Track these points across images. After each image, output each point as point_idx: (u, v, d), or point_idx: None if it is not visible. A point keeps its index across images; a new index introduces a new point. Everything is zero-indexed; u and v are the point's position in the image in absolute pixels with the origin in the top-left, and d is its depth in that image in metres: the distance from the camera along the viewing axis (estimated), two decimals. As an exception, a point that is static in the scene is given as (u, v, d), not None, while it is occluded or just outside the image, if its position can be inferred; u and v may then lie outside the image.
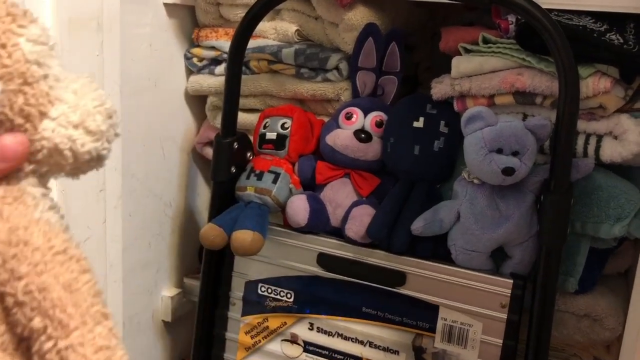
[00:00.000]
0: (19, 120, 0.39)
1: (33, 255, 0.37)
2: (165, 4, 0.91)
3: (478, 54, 0.77)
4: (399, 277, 0.77)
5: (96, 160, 0.42)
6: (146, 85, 0.89)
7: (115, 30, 0.73)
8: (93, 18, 0.68)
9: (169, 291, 1.02)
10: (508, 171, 0.70)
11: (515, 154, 0.70)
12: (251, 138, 0.90)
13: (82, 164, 0.42)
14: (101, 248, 0.75)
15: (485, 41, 0.77)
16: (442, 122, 0.78)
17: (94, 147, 0.41)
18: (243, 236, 0.79)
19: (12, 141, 0.38)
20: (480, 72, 0.76)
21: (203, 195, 1.07)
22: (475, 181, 0.73)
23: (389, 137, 0.80)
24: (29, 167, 0.40)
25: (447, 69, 0.82)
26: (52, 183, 0.61)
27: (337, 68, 0.87)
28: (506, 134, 0.70)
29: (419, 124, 0.78)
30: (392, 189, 0.79)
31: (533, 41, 0.71)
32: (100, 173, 0.71)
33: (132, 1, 0.81)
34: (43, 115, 0.39)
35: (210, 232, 0.81)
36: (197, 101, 1.01)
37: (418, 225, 0.74)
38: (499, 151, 0.70)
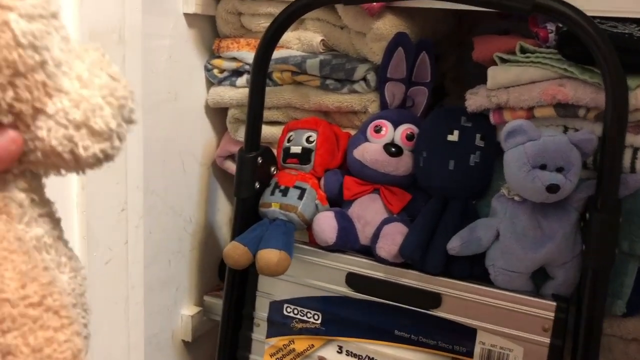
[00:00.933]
0: (7, 119, 0.31)
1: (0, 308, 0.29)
2: (186, 14, 0.88)
3: (515, 64, 0.73)
4: (434, 299, 0.74)
5: (103, 161, 0.35)
6: (166, 99, 0.86)
7: (137, 42, 0.70)
8: (114, 30, 0.65)
9: (188, 310, 0.99)
10: (553, 188, 0.66)
11: (559, 170, 0.67)
12: (274, 152, 0.87)
13: (85, 165, 0.35)
14: (123, 269, 0.72)
15: (523, 50, 0.73)
16: (478, 135, 0.75)
17: (99, 150, 0.34)
18: (269, 255, 0.75)
19: (2, 140, 0.31)
20: (518, 83, 0.72)
21: (223, 210, 1.04)
22: (516, 198, 0.70)
23: (422, 151, 0.76)
24: (18, 168, 0.33)
25: (476, 80, 0.79)
26: (72, 203, 0.58)
27: (364, 79, 0.83)
28: (550, 149, 0.66)
29: (454, 137, 0.74)
30: (425, 206, 0.75)
31: (575, 50, 0.67)
32: (122, 191, 0.68)
33: (153, 11, 0.78)
34: (38, 111, 0.32)
35: (235, 251, 0.78)
36: (217, 114, 0.98)
37: (455, 245, 0.71)
38: (543, 167, 0.67)
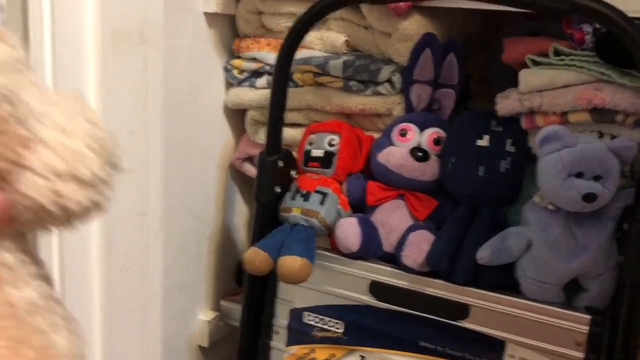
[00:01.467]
0: None
1: None
2: (206, 13, 0.86)
3: (548, 67, 0.70)
4: (461, 310, 0.71)
5: (93, 211, 0.33)
6: (186, 100, 0.84)
7: (159, 42, 0.68)
8: (136, 30, 0.63)
9: (205, 315, 0.97)
10: (589, 197, 0.63)
11: (597, 178, 0.64)
12: (294, 154, 0.85)
13: (74, 218, 0.33)
14: (143, 275, 0.70)
15: (557, 53, 0.70)
16: (509, 141, 0.72)
17: (88, 199, 0.32)
18: (291, 262, 0.73)
19: None
20: (552, 86, 0.69)
21: (241, 213, 1.02)
22: (550, 207, 0.67)
23: (450, 156, 0.74)
24: (4, 229, 0.32)
25: (502, 81, 0.76)
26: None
27: (389, 81, 0.81)
28: (588, 157, 0.63)
29: (484, 142, 0.72)
30: (454, 213, 0.73)
31: (614, 53, 0.65)
32: (141, 195, 0.66)
33: (174, 10, 0.76)
34: (18, 166, 0.30)
35: (255, 257, 0.76)
36: (235, 115, 0.96)
37: (484, 254, 0.68)
38: (579, 175, 0.64)
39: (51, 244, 0.58)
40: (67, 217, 0.32)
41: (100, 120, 0.33)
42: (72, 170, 0.31)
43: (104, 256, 0.62)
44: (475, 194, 0.72)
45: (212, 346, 0.98)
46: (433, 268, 0.71)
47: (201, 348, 0.98)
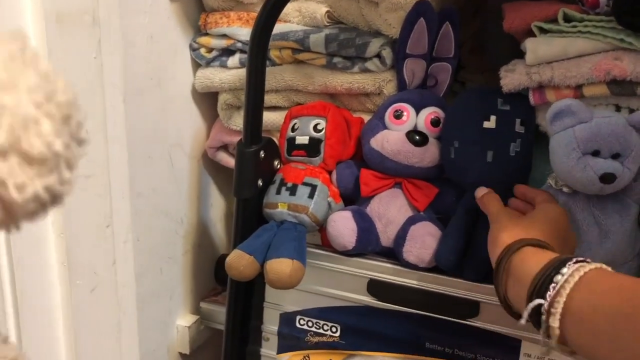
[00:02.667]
0: None
1: None
2: (166, -14, 0.75)
3: (559, 35, 0.63)
4: (471, 307, 0.65)
5: (49, 205, 0.24)
6: (148, 85, 0.74)
7: (115, 24, 0.58)
8: (87, 11, 0.53)
9: (184, 320, 0.89)
10: (607, 178, 0.57)
11: (615, 156, 0.58)
12: (277, 142, 0.76)
13: (21, 215, 0.23)
14: (112, 294, 0.61)
15: (568, 19, 0.63)
16: (518, 121, 0.65)
17: (43, 187, 0.23)
18: (280, 266, 0.65)
19: None
20: (564, 57, 0.62)
21: (217, 206, 0.94)
22: (565, 189, 0.61)
23: (452, 140, 0.66)
24: None
25: (500, 52, 0.69)
26: (46, 224, 0.47)
27: (378, 55, 0.73)
28: (604, 133, 0.57)
29: (491, 124, 0.64)
30: (460, 203, 0.66)
31: (635, 17, 0.58)
32: (105, 205, 0.56)
33: (129, -16, 0.66)
34: None
35: (239, 262, 0.68)
36: (206, 99, 0.87)
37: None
38: (596, 153, 0.58)
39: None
40: (7, 211, 0.23)
41: (54, 71, 0.23)
42: (18, 142, 0.22)
43: (67, 277, 0.53)
44: (484, 182, 0.65)
45: (194, 353, 0.90)
46: (444, 267, 0.65)
47: (182, 355, 0.90)
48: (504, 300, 0.53)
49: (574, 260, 0.46)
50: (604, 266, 0.46)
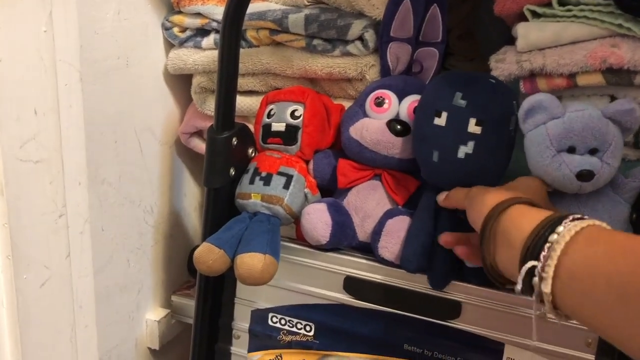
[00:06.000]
0: None
1: None
2: (135, -42, 0.71)
3: (552, 19, 0.59)
4: (453, 308, 0.62)
5: None
6: (115, 66, 0.70)
7: (69, -7, 0.53)
8: (34, -23, 0.48)
9: (154, 314, 0.85)
10: (585, 175, 0.54)
11: (593, 151, 0.54)
12: (251, 128, 0.72)
13: None
14: (65, 288, 0.57)
15: (562, 3, 0.59)
16: (473, 120, 0.58)
17: None
18: (252, 261, 0.62)
19: None
20: (558, 43, 0.59)
21: (190, 195, 0.89)
22: (549, 189, 0.57)
23: (413, 133, 0.62)
24: None
25: (492, 38, 0.65)
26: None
27: (361, 38, 0.69)
28: (578, 128, 0.54)
29: (441, 121, 0.58)
30: (420, 202, 0.62)
31: (635, 0, 0.54)
32: (57, 193, 0.52)
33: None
34: None
35: (208, 255, 0.64)
36: (179, 82, 0.82)
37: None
38: (571, 150, 0.55)
39: None
40: None
41: None
42: None
43: (11, 272, 0.49)
44: (434, 183, 0.61)
45: (164, 348, 0.86)
46: (409, 271, 0.61)
47: (151, 351, 0.86)
48: (490, 267, 0.48)
49: (571, 217, 0.41)
50: (604, 224, 0.41)
